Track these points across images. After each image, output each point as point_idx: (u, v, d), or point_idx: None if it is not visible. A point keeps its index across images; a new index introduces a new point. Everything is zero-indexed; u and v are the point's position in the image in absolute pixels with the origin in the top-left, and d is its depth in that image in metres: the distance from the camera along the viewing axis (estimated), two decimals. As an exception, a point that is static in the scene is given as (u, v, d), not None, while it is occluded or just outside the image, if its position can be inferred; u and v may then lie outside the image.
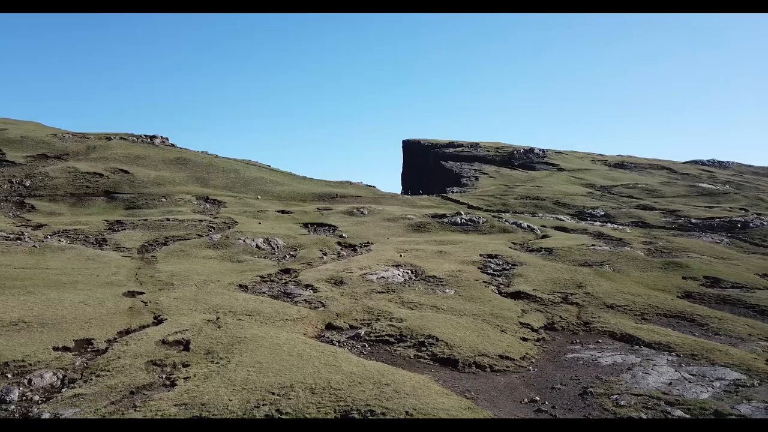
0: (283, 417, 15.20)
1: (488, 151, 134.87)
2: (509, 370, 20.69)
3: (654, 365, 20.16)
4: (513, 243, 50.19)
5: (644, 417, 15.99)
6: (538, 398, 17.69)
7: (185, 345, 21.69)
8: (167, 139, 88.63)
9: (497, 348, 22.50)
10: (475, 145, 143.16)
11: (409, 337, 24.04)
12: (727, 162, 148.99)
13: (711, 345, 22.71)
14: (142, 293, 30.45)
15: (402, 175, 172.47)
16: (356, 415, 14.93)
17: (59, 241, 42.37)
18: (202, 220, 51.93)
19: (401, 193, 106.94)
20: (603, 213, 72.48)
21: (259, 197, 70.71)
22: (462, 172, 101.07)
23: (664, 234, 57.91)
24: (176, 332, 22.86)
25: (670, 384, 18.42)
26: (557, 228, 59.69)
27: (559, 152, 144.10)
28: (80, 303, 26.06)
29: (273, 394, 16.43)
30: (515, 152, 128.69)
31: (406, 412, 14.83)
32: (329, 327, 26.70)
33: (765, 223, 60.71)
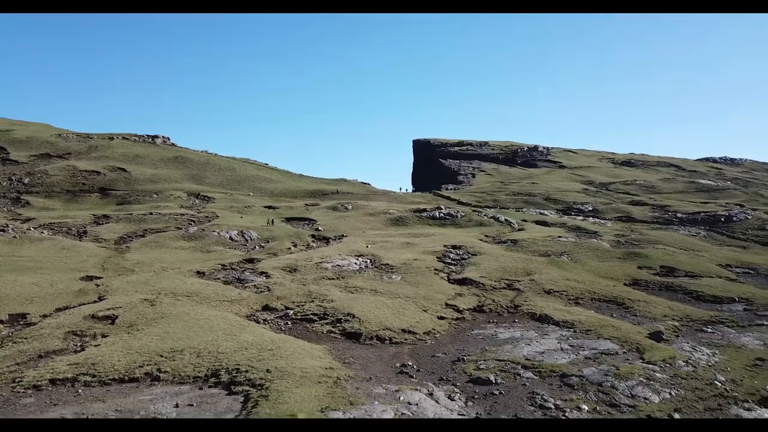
0: (161, 375, 16.57)
1: (493, 149, 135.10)
2: (406, 342, 21.77)
3: (543, 338, 21.04)
4: (485, 235, 50.97)
5: (494, 377, 16.93)
6: (410, 363, 18.77)
7: (113, 319, 23.26)
8: (168, 138, 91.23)
9: (405, 324, 23.58)
10: (484, 144, 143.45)
11: (330, 315, 25.26)
12: (740, 159, 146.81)
13: (610, 322, 23.43)
14: (100, 278, 32.24)
15: (412, 173, 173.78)
16: (223, 373, 16.24)
17: (41, 232, 44.59)
18: (184, 214, 53.85)
19: (412, 191, 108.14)
20: (591, 208, 72.61)
21: (251, 194, 72.58)
22: (460, 169, 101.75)
23: (643, 228, 58.01)
24: (109, 309, 24.46)
25: (542, 353, 19.30)
26: (537, 222, 60.20)
27: (569, 150, 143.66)
28: (31, 284, 27.88)
29: (161, 356, 17.83)
30: (519, 150, 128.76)
31: (267, 370, 16.07)
32: (265, 308, 28.01)
33: (749, 217, 60.36)
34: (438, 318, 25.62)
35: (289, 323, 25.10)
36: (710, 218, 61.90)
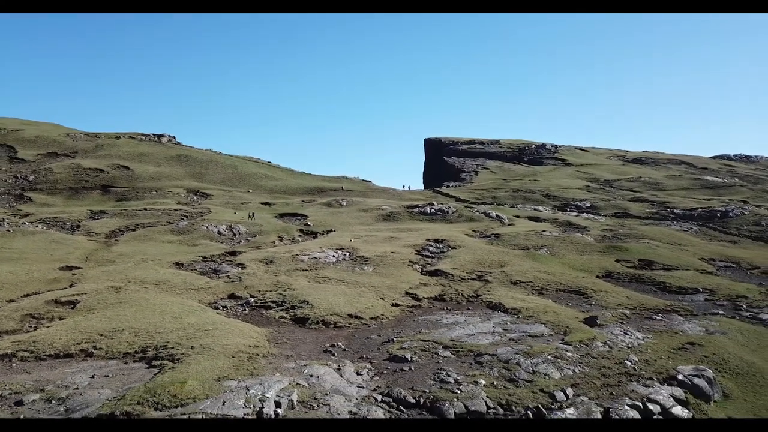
0: (95, 351, 17.38)
1: (501, 147, 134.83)
2: (350, 326, 22.33)
3: (482, 323, 21.44)
4: (473, 230, 51.23)
5: (411, 355, 17.41)
6: (340, 344, 19.32)
7: (74, 304, 24.20)
8: (174, 137, 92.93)
9: (355, 310, 24.13)
10: (495, 143, 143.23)
11: (287, 302, 25.92)
12: (755, 157, 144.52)
13: (554, 309, 23.70)
14: (79, 268, 33.34)
15: (423, 172, 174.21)
16: (151, 350, 17.01)
17: (36, 226, 46.07)
18: (177, 210, 55.07)
19: (423, 188, 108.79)
20: (589, 204, 72.30)
21: (251, 191, 73.70)
22: (464, 167, 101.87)
23: (636, 223, 57.69)
24: (73, 294, 25.43)
25: (472, 335, 19.71)
26: (530, 218, 60.27)
27: (581, 149, 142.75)
28: (7, 273, 29.05)
29: (101, 335, 18.65)
30: (527, 148, 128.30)
31: (191, 347, 16.79)
32: (231, 296, 28.73)
33: (746, 213, 59.68)
34: (392, 305, 26.11)
35: (247, 309, 25.81)
36: (706, 214, 61.35)
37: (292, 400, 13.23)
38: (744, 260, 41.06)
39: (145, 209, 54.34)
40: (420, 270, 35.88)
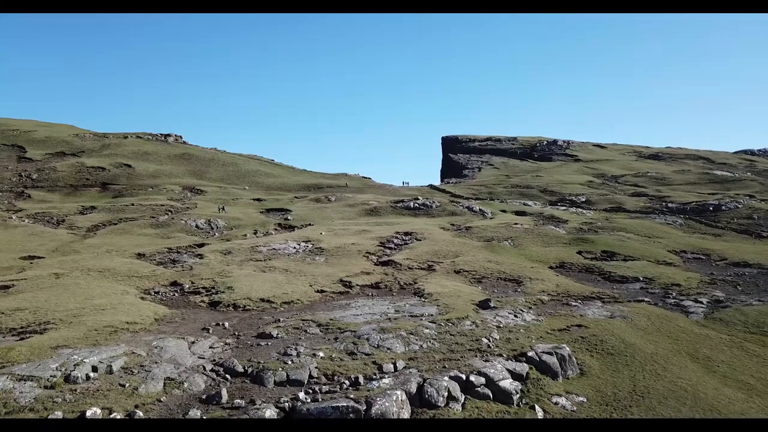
0: (-15, 327, 18.33)
1: (513, 144, 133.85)
2: (256, 309, 22.89)
3: (381, 306, 21.86)
4: (450, 224, 51.21)
5: (277, 332, 17.83)
6: (225, 324, 19.90)
7: (8, 288, 25.36)
8: (181, 137, 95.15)
9: (270, 295, 24.70)
10: (513, 139, 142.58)
11: (213, 288, 26.67)
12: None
13: (466, 293, 23.92)
14: (42, 258, 34.77)
15: (441, 169, 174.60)
16: (34, 325, 17.85)
17: (22, 220, 48.05)
18: (164, 205, 56.56)
19: (440, 183, 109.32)
20: (585, 199, 71.33)
21: (247, 187, 75.03)
22: (468, 164, 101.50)
23: (621, 217, 56.75)
24: (13, 280, 26.62)
25: (357, 315, 20.12)
26: (516, 212, 59.85)
27: (598, 145, 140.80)
28: (-37, 260, 30.51)
29: (2, 314, 19.63)
30: (538, 145, 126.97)
31: (70, 322, 17.61)
32: (172, 284, 29.50)
33: (739, 207, 58.07)
34: (317, 291, 26.57)
35: (176, 295, 26.60)
36: (699, 207, 59.98)
37: (111, 366, 13.85)
38: (716, 252, 40.13)
39: (132, 204, 56.02)
40: (375, 261, 36.16)
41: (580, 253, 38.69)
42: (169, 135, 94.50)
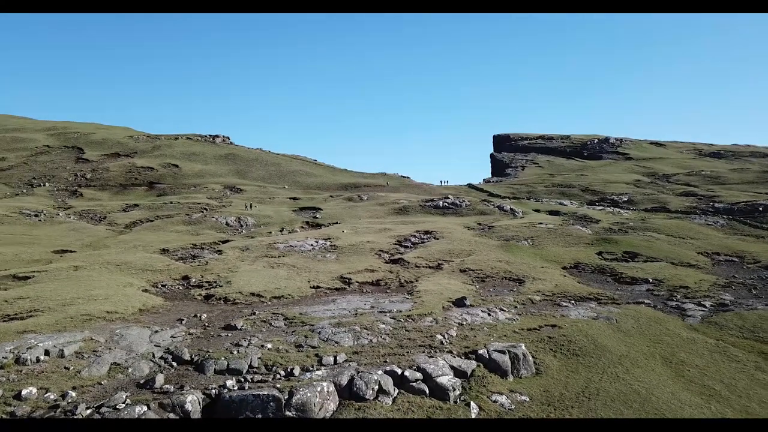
0: (-14, 313, 19.90)
1: (563, 142, 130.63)
2: (243, 303, 23.63)
3: (361, 302, 22.17)
4: (478, 223, 50.74)
5: (244, 324, 18.39)
6: (202, 315, 20.66)
7: (28, 278, 27.27)
8: (228, 138, 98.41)
9: (262, 289, 25.38)
10: (565, 137, 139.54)
11: (215, 282, 27.73)
12: None
13: (450, 291, 23.68)
14: (73, 252, 37.03)
15: (491, 167, 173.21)
16: (25, 312, 19.21)
17: (68, 217, 51.22)
18: (201, 203, 58.82)
19: (479, 183, 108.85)
20: (626, 199, 68.86)
21: (286, 186, 76.83)
22: (512, 162, 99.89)
23: (660, 217, 54.45)
24: (35, 271, 28.60)
25: (328, 310, 20.48)
26: (551, 212, 58.57)
27: (655, 142, 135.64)
28: (-1, 253, 32.96)
29: (5, 302, 21.22)
30: (588, 143, 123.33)
31: (55, 310, 18.84)
32: (183, 278, 30.83)
33: (791, 206, 54.58)
34: (312, 287, 27.10)
35: (181, 288, 27.82)
36: (748, 208, 56.77)
37: (63, 350, 14.80)
38: (750, 254, 38.05)
39: (171, 202, 58.57)
40: (386, 258, 36.40)
41: (600, 254, 37.58)
42: (217, 136, 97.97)
